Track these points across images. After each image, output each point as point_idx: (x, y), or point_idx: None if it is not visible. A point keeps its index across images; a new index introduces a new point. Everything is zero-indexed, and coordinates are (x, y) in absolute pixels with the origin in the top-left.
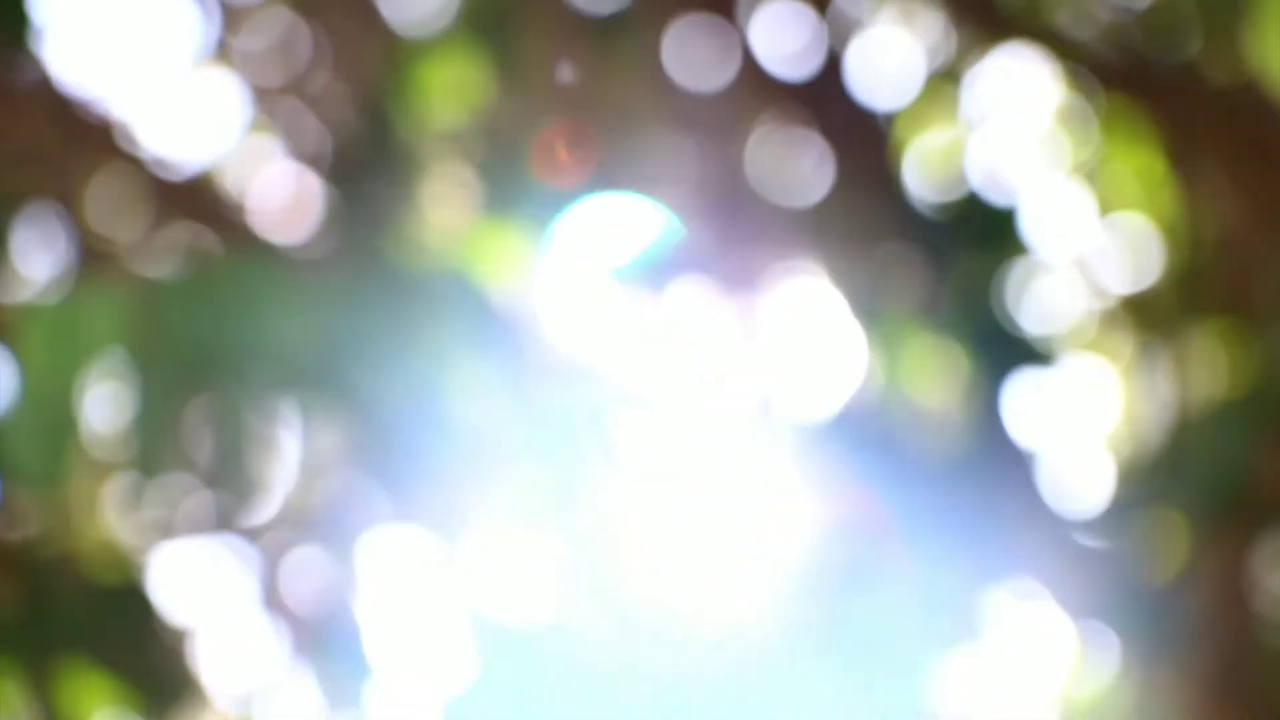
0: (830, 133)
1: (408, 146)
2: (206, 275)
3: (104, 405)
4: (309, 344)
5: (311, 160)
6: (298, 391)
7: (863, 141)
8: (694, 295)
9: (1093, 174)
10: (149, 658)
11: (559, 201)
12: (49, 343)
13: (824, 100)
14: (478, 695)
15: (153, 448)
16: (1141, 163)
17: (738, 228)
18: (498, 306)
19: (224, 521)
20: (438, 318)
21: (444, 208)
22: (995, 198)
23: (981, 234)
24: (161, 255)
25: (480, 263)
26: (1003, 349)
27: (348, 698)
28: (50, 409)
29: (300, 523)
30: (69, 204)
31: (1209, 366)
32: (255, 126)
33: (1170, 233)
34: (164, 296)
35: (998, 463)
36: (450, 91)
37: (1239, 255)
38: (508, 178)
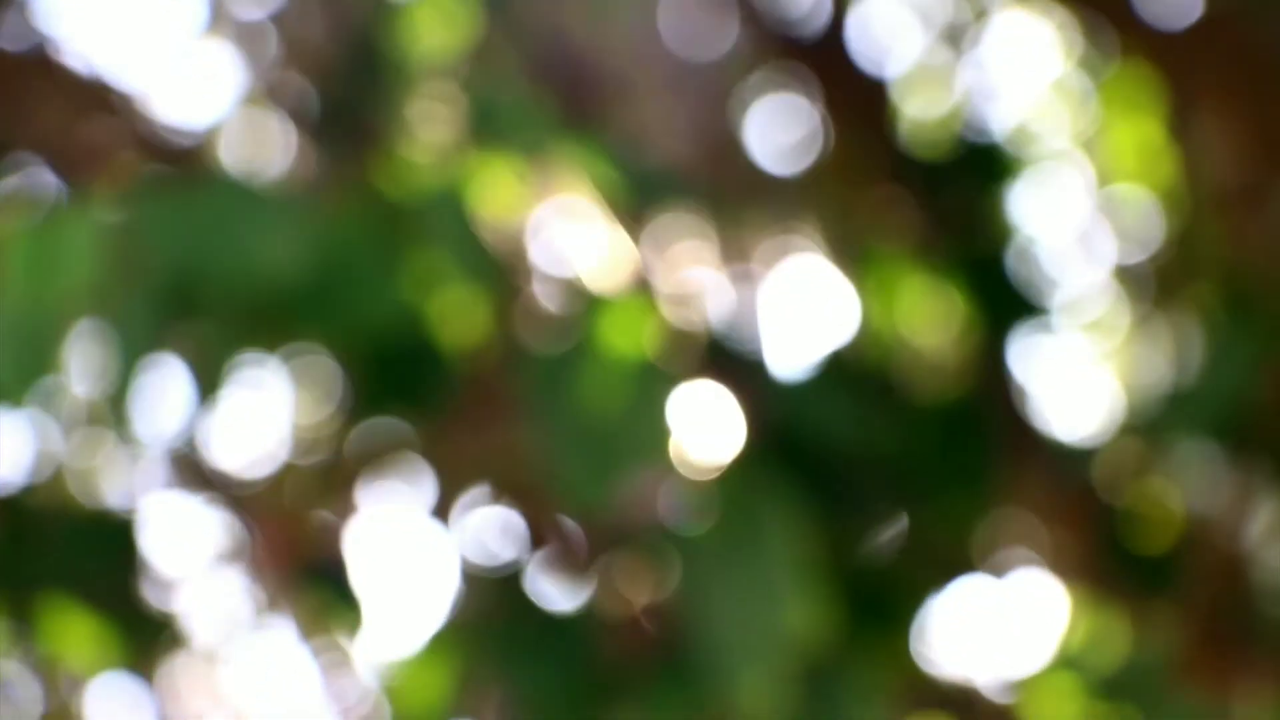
0: (829, 85)
1: (395, 70)
2: (188, 198)
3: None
4: (294, 268)
5: (298, 97)
6: (282, 317)
7: (861, 94)
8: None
9: (1092, 144)
10: (131, 596)
11: (549, 129)
12: (27, 262)
13: (824, 57)
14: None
15: (131, 374)
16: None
17: (732, 182)
18: (487, 234)
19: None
20: (425, 244)
21: (432, 132)
22: (993, 139)
23: (978, 174)
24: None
25: (469, 189)
26: (1000, 290)
27: (332, 634)
28: (28, 326)
29: (284, 454)
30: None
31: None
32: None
33: (1170, 201)
34: (145, 217)
35: (996, 403)
36: (440, 16)
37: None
38: (498, 103)
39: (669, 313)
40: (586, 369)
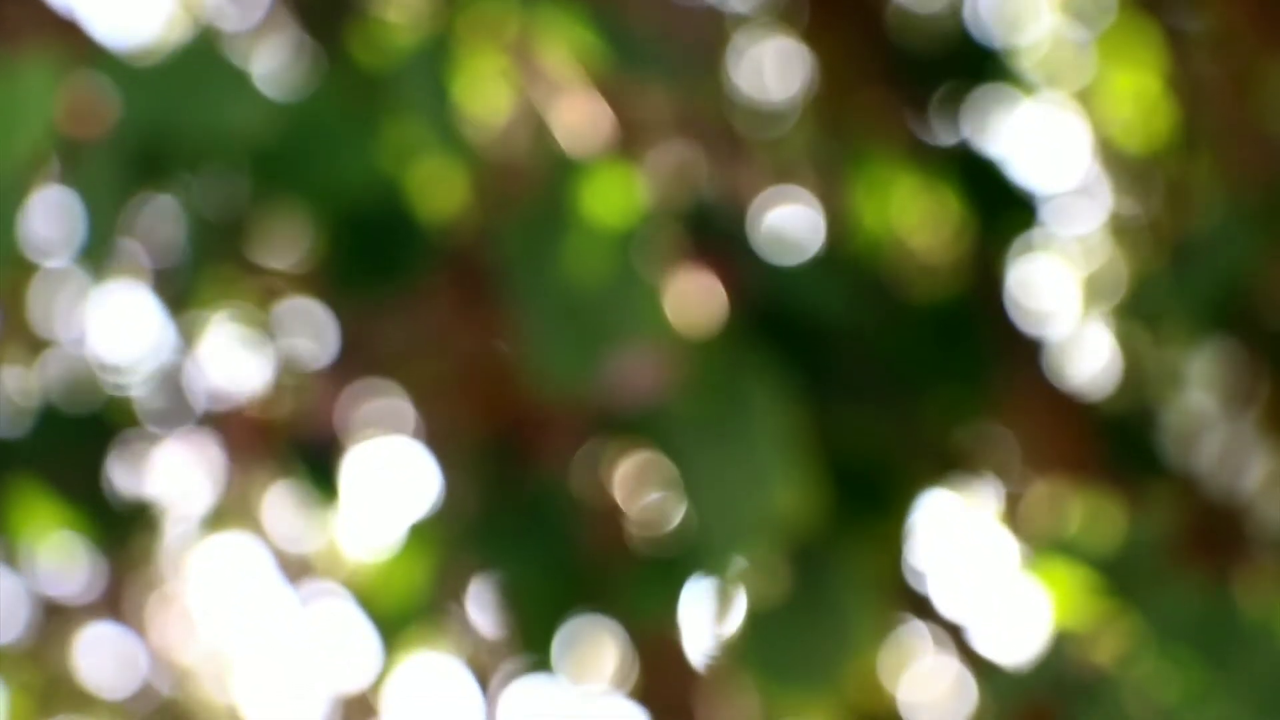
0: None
1: None
2: (161, 59)
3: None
4: (263, 131)
5: None
6: (255, 183)
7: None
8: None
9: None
10: (104, 482)
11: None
12: None
13: None
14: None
15: (101, 243)
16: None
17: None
18: (465, 102)
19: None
20: (401, 112)
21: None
22: (987, 39)
23: (972, 73)
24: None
25: (447, 57)
26: (993, 190)
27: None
28: None
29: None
30: None
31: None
32: None
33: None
34: (114, 76)
35: (988, 303)
36: None
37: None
38: None
39: (652, 184)
40: (568, 240)
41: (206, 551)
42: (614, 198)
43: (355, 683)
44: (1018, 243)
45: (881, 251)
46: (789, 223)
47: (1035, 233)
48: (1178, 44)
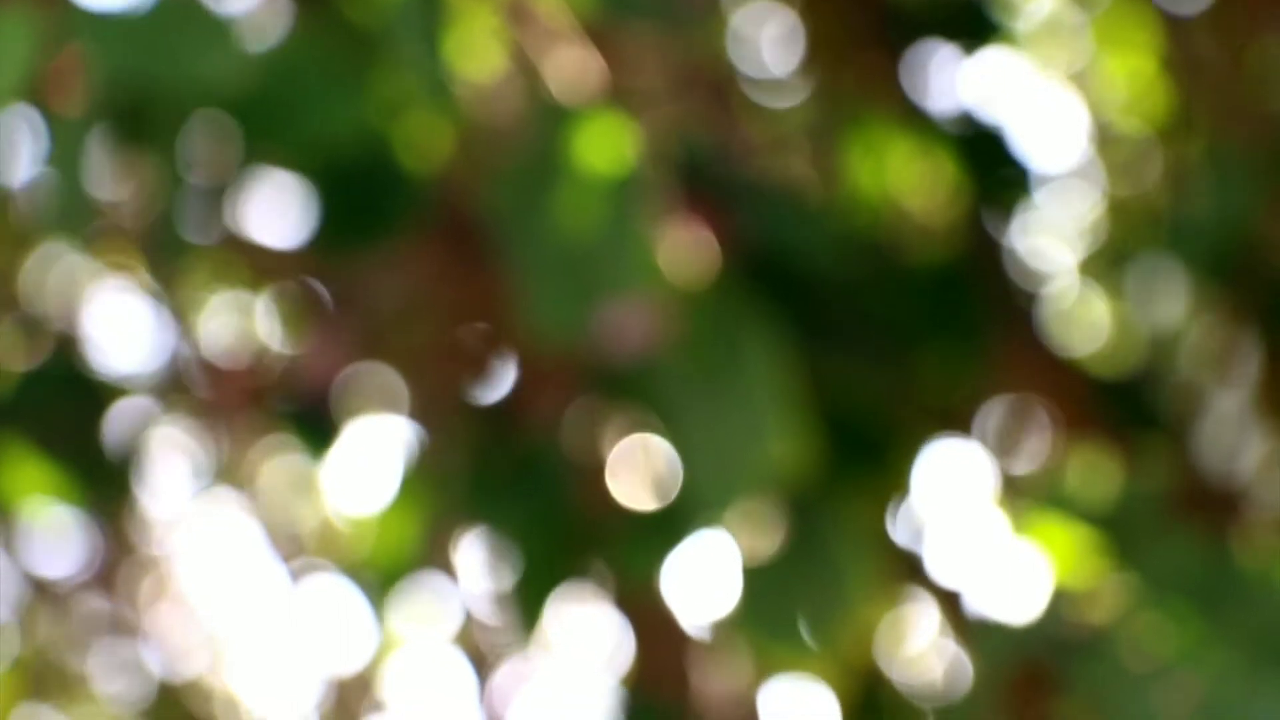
0: None
1: None
2: (138, 10)
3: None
4: (243, 81)
5: None
6: (236, 135)
7: None
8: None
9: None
10: (92, 442)
11: None
12: None
13: None
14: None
15: (76, 198)
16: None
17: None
18: (456, 55)
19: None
20: (388, 64)
21: None
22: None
23: (969, 35)
24: None
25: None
26: (990, 154)
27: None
28: None
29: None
30: None
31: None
32: None
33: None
34: (90, 29)
35: (984, 265)
36: None
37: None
38: None
39: (645, 133)
40: (559, 190)
41: (198, 522)
42: (606, 147)
43: (350, 663)
44: (1014, 206)
45: (877, 214)
46: (783, 176)
47: (1031, 196)
48: (1174, 26)
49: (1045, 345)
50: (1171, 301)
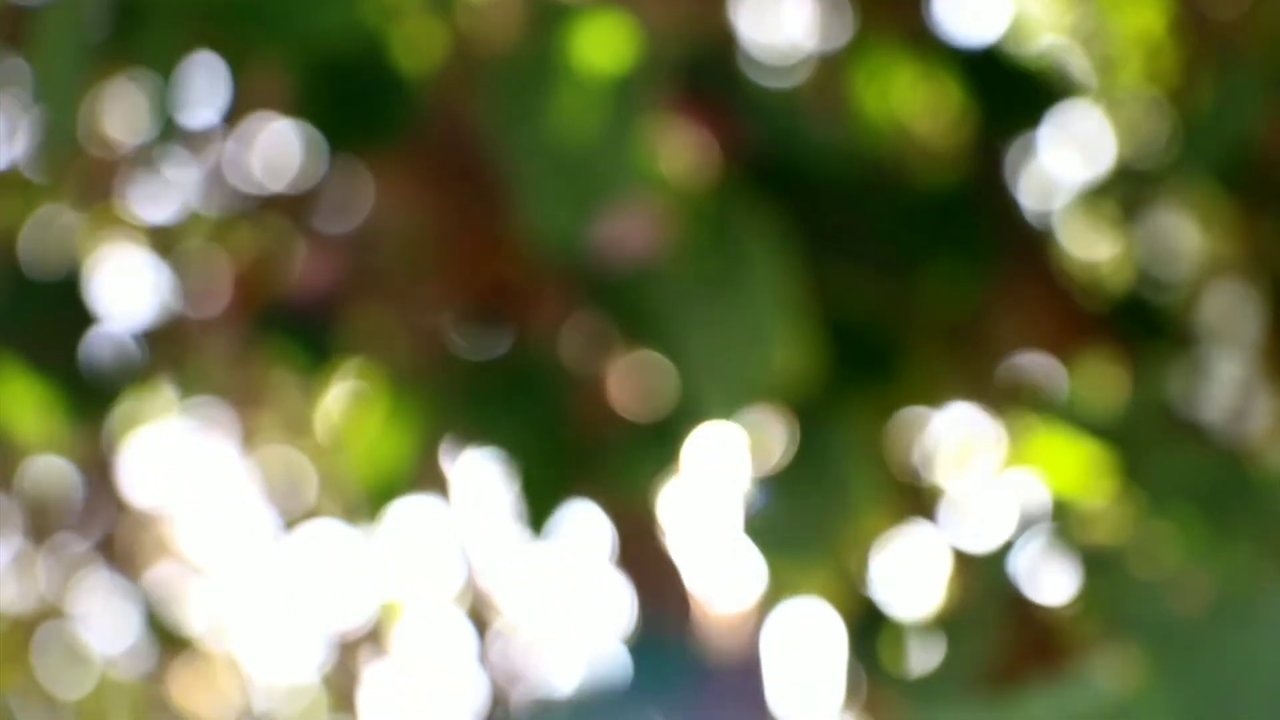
0: None
1: None
2: None
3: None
4: None
5: None
6: (227, 33)
7: None
8: None
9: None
10: (83, 357)
11: None
12: None
13: None
14: None
15: (65, 116)
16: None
17: None
18: None
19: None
20: None
21: None
22: None
23: None
24: None
25: None
26: (996, 78)
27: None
28: None
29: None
30: None
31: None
32: None
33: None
34: None
35: (990, 189)
36: None
37: None
38: None
39: (644, 33)
40: (556, 89)
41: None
42: (604, 47)
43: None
44: (1021, 130)
45: (883, 136)
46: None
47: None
48: None
49: (1051, 265)
50: (1179, 215)
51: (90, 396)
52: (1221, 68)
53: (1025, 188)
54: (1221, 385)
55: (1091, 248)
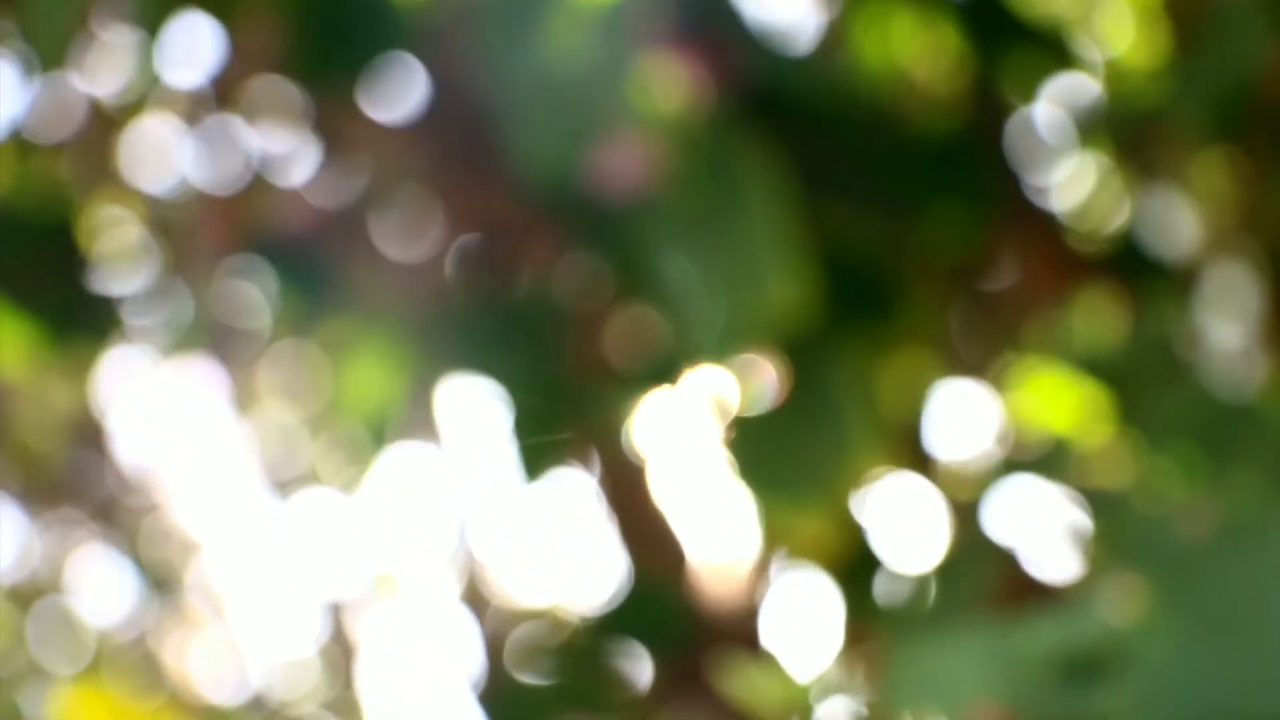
0: None
1: None
2: None
3: None
4: None
5: None
6: None
7: None
8: None
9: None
10: (72, 298)
11: None
12: None
13: None
14: None
15: (56, 34)
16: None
17: None
18: None
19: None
20: None
21: None
22: None
23: None
24: None
25: None
26: (995, 22)
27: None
28: None
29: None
30: None
31: None
32: None
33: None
34: None
35: (989, 134)
36: None
37: None
38: None
39: None
40: (548, 19)
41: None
42: None
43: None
44: (1021, 78)
45: (881, 81)
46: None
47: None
48: None
49: (1048, 209)
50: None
51: (81, 332)
52: (1220, 12)
53: (1023, 134)
54: (1221, 326)
55: (1089, 191)
